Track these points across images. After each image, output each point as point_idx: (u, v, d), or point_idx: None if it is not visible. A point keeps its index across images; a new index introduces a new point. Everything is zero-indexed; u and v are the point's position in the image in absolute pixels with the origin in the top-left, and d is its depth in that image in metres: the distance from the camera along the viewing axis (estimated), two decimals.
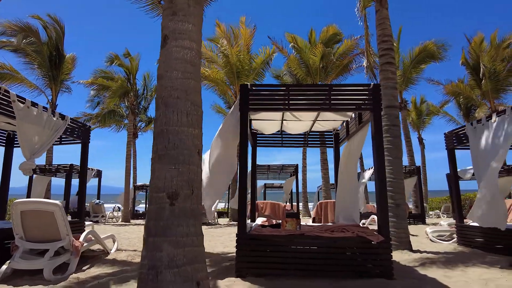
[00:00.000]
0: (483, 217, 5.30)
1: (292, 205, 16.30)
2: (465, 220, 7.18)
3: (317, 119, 5.94)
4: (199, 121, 2.76)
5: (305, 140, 7.07)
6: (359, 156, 5.16)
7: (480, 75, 16.78)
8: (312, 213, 7.96)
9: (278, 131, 7.02)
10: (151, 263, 2.35)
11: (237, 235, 4.06)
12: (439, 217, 21.07)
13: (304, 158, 23.89)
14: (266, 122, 6.39)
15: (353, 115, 5.70)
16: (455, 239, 7.51)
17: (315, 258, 3.96)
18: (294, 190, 15.39)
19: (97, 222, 14.69)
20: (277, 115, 5.77)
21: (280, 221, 6.86)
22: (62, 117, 5.93)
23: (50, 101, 17.94)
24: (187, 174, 2.59)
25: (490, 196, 5.16)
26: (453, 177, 7.14)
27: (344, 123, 6.27)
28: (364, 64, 15.80)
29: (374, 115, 4.28)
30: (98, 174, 16.82)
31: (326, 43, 16.87)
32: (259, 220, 6.12)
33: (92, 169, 15.99)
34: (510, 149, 7.16)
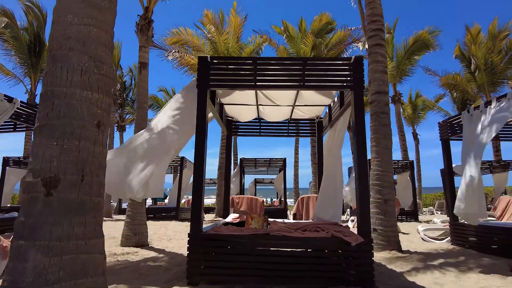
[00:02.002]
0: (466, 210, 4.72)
1: (280, 201, 15.70)
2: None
3: (296, 104, 5.29)
4: (103, 82, 2.05)
5: (286, 128, 6.41)
6: (341, 146, 4.47)
7: (472, 68, 16.20)
8: (293, 208, 7.32)
9: (256, 119, 6.37)
10: (10, 278, 1.67)
11: (189, 235, 3.41)
12: (432, 213, 20.63)
13: (296, 153, 23.23)
14: (241, 108, 5.73)
15: (335, 99, 5.06)
16: (449, 238, 6.93)
17: (282, 263, 3.32)
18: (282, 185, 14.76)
19: None
20: (251, 98, 5.10)
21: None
22: (10, 99, 5.25)
23: (29, 90, 17.12)
24: (75, 153, 1.90)
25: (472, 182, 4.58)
26: (447, 170, 6.53)
27: (327, 109, 5.63)
28: (361, 47, 15.10)
29: (355, 93, 3.63)
30: None
31: (318, 32, 16.15)
32: (231, 217, 5.47)
33: None
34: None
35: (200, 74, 3.73)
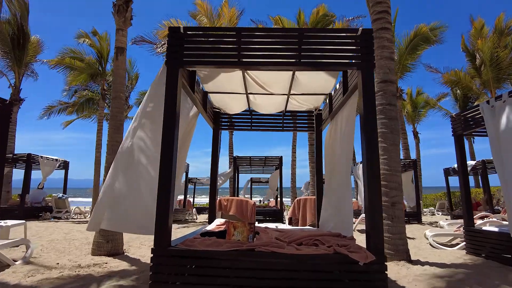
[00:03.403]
0: None
1: (276, 202, 14.99)
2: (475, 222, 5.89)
3: (291, 92, 4.56)
4: None
5: (281, 122, 5.68)
6: (350, 140, 3.65)
7: (477, 63, 15.53)
8: (288, 212, 6.60)
9: (247, 111, 5.65)
10: None
11: (152, 250, 2.67)
12: (433, 214, 20.09)
13: (294, 152, 22.53)
14: (228, 98, 5.00)
15: (337, 86, 4.34)
16: (461, 245, 6.23)
17: (271, 287, 2.59)
18: (278, 185, 14.03)
19: (59, 218, 13.18)
20: (238, 84, 4.37)
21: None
22: None
23: (12, 85, 16.28)
24: None
25: None
26: (461, 169, 5.81)
27: (327, 99, 4.91)
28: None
29: (363, 74, 2.92)
30: (65, 165, 15.29)
31: (316, 25, 15.44)
32: (215, 223, 4.74)
33: (56, 160, 14.45)
34: None
35: (171, 49, 3.01)
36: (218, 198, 6.27)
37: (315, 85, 4.33)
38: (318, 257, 2.60)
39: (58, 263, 4.49)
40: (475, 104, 19.20)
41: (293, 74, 3.94)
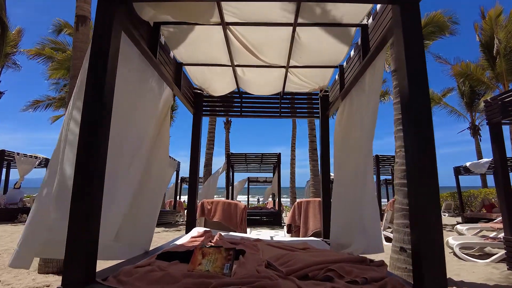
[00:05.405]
0: None
1: (274, 203, 13.91)
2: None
3: (290, 63, 3.49)
4: None
5: (278, 107, 4.62)
6: (373, 125, 2.49)
7: (494, 52, 14.47)
8: (287, 217, 5.53)
9: (236, 93, 4.59)
10: None
11: None
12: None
13: (293, 150, 21.51)
14: (211, 74, 3.94)
15: (352, 52, 3.28)
16: (496, 256, 5.19)
17: None
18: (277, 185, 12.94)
19: None
20: (220, 47, 3.29)
21: (238, 234, 4.44)
22: None
23: None
24: None
25: None
26: (500, 165, 4.72)
27: (337, 75, 3.84)
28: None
29: (404, 12, 1.85)
30: (46, 163, 14.17)
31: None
32: (189, 235, 3.66)
33: (36, 157, 13.35)
34: None
35: None
36: (200, 201, 5.21)
37: (322, 49, 3.25)
38: None
39: None
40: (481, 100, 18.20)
41: (294, 31, 2.87)
